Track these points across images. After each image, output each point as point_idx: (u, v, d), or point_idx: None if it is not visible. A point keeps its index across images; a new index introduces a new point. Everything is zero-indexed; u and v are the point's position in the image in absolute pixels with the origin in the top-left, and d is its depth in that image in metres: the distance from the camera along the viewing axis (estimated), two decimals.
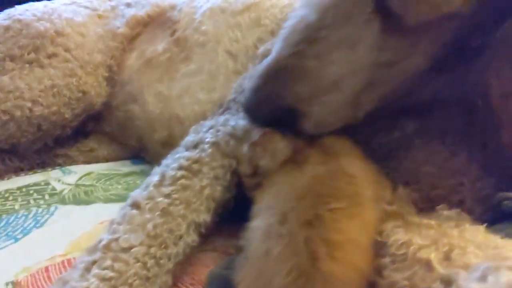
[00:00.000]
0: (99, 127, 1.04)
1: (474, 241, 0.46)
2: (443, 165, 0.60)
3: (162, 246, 0.55)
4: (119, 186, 0.87)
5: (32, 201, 0.83)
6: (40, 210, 0.79)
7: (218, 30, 0.93)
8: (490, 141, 0.59)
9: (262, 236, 0.50)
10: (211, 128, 0.68)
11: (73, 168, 0.97)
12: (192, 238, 0.58)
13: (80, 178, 0.91)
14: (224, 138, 0.65)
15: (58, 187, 0.87)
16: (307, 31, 0.55)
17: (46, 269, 0.64)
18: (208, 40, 0.93)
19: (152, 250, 0.54)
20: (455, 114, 0.62)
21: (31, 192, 0.86)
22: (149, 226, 0.56)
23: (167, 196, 0.59)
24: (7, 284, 0.61)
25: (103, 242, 0.54)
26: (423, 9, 0.51)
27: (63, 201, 0.82)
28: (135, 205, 0.58)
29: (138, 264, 0.53)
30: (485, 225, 0.51)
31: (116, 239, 0.54)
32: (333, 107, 0.57)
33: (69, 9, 1.09)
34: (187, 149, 0.66)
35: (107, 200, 0.82)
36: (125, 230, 0.55)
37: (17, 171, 0.96)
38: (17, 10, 1.09)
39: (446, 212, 0.55)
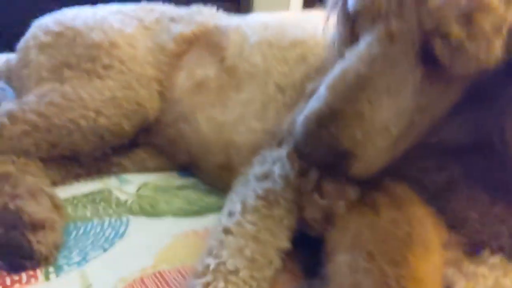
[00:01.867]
0: (149, 139, 1.12)
1: None
2: (486, 211, 0.70)
3: (260, 270, 0.66)
4: (179, 200, 0.98)
5: (101, 210, 0.92)
6: (113, 220, 0.89)
7: (267, 63, 1.02)
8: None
9: (348, 269, 0.61)
10: (277, 160, 0.78)
11: (127, 177, 1.06)
12: (278, 263, 0.69)
13: (139, 189, 1.01)
14: (292, 172, 0.75)
15: (122, 196, 0.97)
16: (358, 78, 0.62)
17: (142, 280, 0.74)
18: (258, 72, 1.02)
19: (254, 273, 0.65)
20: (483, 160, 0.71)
21: (97, 200, 0.95)
22: (247, 252, 0.66)
23: (253, 224, 0.70)
24: None
25: (212, 266, 0.64)
26: (469, 64, 0.58)
27: (131, 212, 0.92)
28: (227, 231, 0.69)
29: (247, 285, 0.64)
30: None
31: (223, 263, 0.64)
32: (382, 150, 0.64)
33: (117, 18, 1.16)
34: (257, 180, 0.76)
35: (175, 214, 0.93)
36: (227, 255, 0.65)
37: (76, 177, 1.04)
38: (66, 16, 1.14)
39: (491, 260, 0.67)
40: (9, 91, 1.20)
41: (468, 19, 0.55)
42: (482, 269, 0.64)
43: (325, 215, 0.69)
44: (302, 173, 0.73)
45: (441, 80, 0.62)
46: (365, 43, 0.63)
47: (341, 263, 0.63)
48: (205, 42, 1.13)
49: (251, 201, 0.72)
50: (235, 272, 0.64)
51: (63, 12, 1.18)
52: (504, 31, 0.56)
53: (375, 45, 0.62)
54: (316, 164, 0.68)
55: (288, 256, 0.73)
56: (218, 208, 0.93)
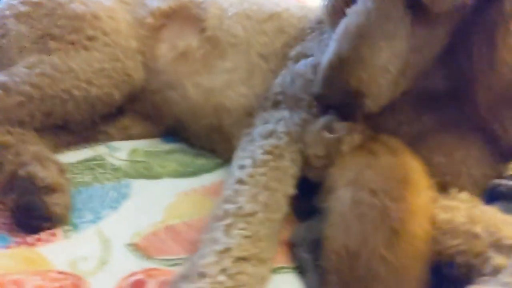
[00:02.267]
0: (133, 107, 1.17)
1: (498, 219, 0.72)
2: (450, 155, 0.85)
3: (273, 213, 0.77)
4: (172, 163, 1.04)
5: (99, 175, 0.98)
6: (112, 183, 0.95)
7: (247, 34, 1.11)
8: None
9: (352, 202, 0.73)
10: (280, 120, 0.90)
11: (115, 144, 1.11)
12: (286, 207, 0.80)
13: (130, 154, 1.07)
14: (294, 128, 0.87)
15: (115, 162, 1.03)
16: (358, 29, 0.76)
17: (154, 233, 0.82)
18: (240, 43, 1.11)
19: (269, 215, 0.75)
20: (455, 107, 0.85)
21: (92, 166, 1.01)
22: (261, 197, 0.77)
23: (263, 174, 0.80)
24: (127, 246, 0.79)
25: (232, 210, 0.74)
26: (445, 1, 0.71)
27: (128, 175, 0.99)
28: (241, 182, 0.79)
29: (264, 225, 0.74)
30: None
31: (241, 207, 0.74)
32: (385, 87, 0.78)
33: None
34: (263, 137, 0.87)
35: (172, 175, 1.00)
36: (244, 201, 0.75)
37: (66, 145, 1.07)
38: None
39: (461, 195, 0.80)
40: None
41: None
42: (456, 203, 0.77)
43: (328, 153, 0.81)
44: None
45: (428, 21, 0.76)
46: (361, 1, 0.77)
47: (343, 196, 0.75)
48: (182, 15, 1.19)
49: (260, 156, 0.82)
50: (253, 214, 0.74)
51: None
52: None
53: (369, 0, 0.76)
54: (333, 105, 0.81)
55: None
56: (210, 169, 1.04)
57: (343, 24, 0.78)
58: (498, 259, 0.66)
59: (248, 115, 0.99)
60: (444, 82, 0.84)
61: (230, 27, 1.13)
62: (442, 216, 0.74)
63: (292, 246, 0.81)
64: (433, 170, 0.84)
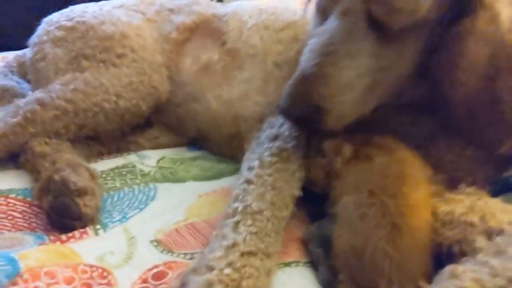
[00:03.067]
0: (160, 119, 1.26)
1: (497, 208, 0.76)
2: (460, 153, 0.88)
3: (279, 210, 0.81)
4: (196, 168, 1.13)
5: (129, 180, 1.06)
6: (141, 187, 1.03)
7: (264, 44, 1.18)
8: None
9: (354, 206, 0.77)
10: (283, 124, 0.94)
11: (144, 153, 1.20)
12: (292, 206, 0.85)
13: (158, 162, 1.15)
14: (298, 133, 0.91)
15: (144, 169, 1.11)
16: (323, 47, 0.79)
17: (176, 230, 0.89)
18: (257, 53, 1.18)
19: (275, 213, 0.80)
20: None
21: (123, 173, 1.09)
22: (267, 196, 0.81)
23: (270, 175, 0.85)
24: (151, 242, 0.85)
25: (240, 208, 0.79)
26: (401, 17, 0.75)
27: (156, 180, 1.06)
28: (249, 182, 0.84)
29: (270, 222, 0.78)
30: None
31: (249, 205, 0.79)
32: (348, 104, 0.79)
33: (122, 12, 1.29)
34: (270, 140, 0.92)
35: (195, 179, 1.08)
36: (251, 199, 0.80)
37: (98, 155, 1.17)
38: (75, 12, 1.27)
39: (467, 189, 0.84)
40: (24, 84, 1.32)
41: None
42: (460, 196, 0.80)
43: (327, 173, 0.86)
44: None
45: (392, 39, 0.79)
46: (328, 22, 0.81)
47: (347, 202, 0.79)
48: (205, 29, 1.28)
49: (267, 157, 0.87)
50: (259, 212, 0.78)
51: (71, 8, 1.30)
52: None
53: (334, 20, 0.80)
54: (295, 120, 0.84)
55: (297, 206, 0.88)
56: (230, 173, 1.10)
57: (310, 42, 0.82)
58: (481, 242, 0.69)
59: (261, 122, 1.03)
60: (424, 95, 0.86)
61: (249, 38, 1.20)
62: (443, 208, 0.77)
63: (305, 243, 0.85)
64: (445, 167, 0.87)
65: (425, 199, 0.78)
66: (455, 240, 0.73)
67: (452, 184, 0.86)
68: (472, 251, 0.69)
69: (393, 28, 0.77)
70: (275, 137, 0.92)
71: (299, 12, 1.21)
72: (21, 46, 1.39)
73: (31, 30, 1.29)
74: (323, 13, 0.88)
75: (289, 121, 0.88)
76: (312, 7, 0.97)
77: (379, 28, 0.78)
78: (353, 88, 0.79)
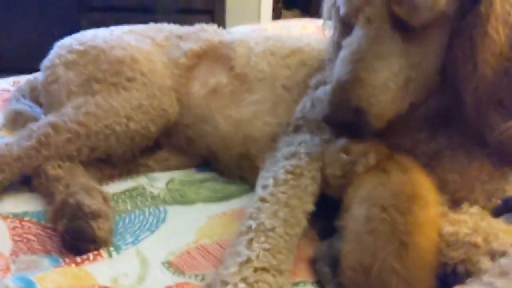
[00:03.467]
0: (169, 141, 1.29)
1: (500, 229, 0.78)
2: (464, 172, 0.91)
3: (292, 228, 0.84)
4: (205, 190, 1.15)
5: (139, 203, 1.08)
6: (152, 210, 1.06)
7: (272, 69, 1.23)
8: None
9: (365, 219, 0.80)
10: (301, 142, 0.99)
11: (154, 175, 1.23)
12: (305, 222, 0.88)
13: (167, 184, 1.18)
14: (315, 149, 0.96)
15: (154, 191, 1.14)
16: (353, 55, 0.86)
17: (188, 252, 0.91)
18: (266, 77, 1.23)
19: (288, 230, 0.83)
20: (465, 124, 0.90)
21: (134, 195, 1.12)
22: (280, 214, 0.85)
23: (284, 193, 0.88)
24: (163, 264, 0.88)
25: (254, 226, 0.82)
26: (422, 14, 0.80)
27: (166, 202, 1.09)
28: (263, 200, 0.88)
29: (282, 239, 0.81)
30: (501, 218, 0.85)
31: (262, 223, 0.82)
32: (385, 103, 0.85)
33: (131, 37, 1.33)
34: (286, 158, 0.96)
35: (204, 201, 1.10)
36: (265, 217, 0.84)
37: (110, 177, 1.20)
38: (86, 37, 1.31)
39: (471, 209, 0.87)
40: (36, 108, 1.35)
41: None
42: (464, 216, 0.83)
43: (344, 172, 0.90)
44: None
45: (416, 37, 0.84)
46: (354, 32, 0.87)
47: (357, 214, 0.82)
48: (213, 55, 1.33)
49: (282, 175, 0.91)
50: (272, 229, 0.82)
51: (82, 33, 1.35)
52: None
53: (360, 29, 0.86)
54: (339, 125, 0.88)
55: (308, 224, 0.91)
56: (239, 194, 1.13)
57: (341, 53, 0.88)
58: (485, 263, 0.71)
59: (273, 142, 1.08)
60: (445, 97, 0.90)
61: (257, 63, 1.25)
62: (448, 229, 0.80)
63: (314, 262, 0.88)
64: (448, 187, 0.91)
65: (433, 219, 0.81)
66: (460, 260, 0.76)
67: (455, 204, 0.89)
68: (477, 272, 0.72)
69: (416, 25, 0.82)
70: (292, 155, 0.97)
71: (304, 39, 1.28)
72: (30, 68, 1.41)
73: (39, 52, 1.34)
74: (344, 26, 0.95)
75: (333, 127, 0.92)
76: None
77: (403, 28, 0.84)
78: (388, 87, 0.85)
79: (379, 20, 0.85)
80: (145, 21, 1.47)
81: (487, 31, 0.79)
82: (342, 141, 0.93)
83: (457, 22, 0.83)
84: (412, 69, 0.86)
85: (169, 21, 1.48)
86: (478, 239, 0.76)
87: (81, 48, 1.26)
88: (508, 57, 0.80)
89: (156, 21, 1.47)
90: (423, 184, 0.84)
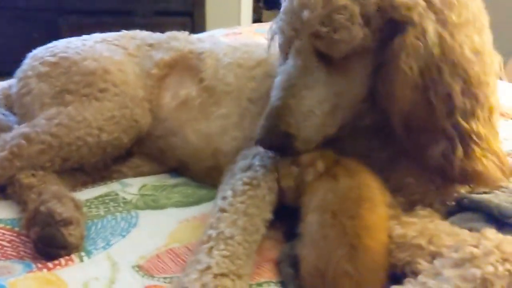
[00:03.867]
0: (141, 149, 1.33)
1: (444, 231, 0.83)
2: (419, 176, 0.97)
3: (251, 235, 0.89)
4: (177, 195, 1.19)
5: (112, 208, 1.12)
6: (123, 215, 1.09)
7: (239, 82, 1.27)
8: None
9: (318, 225, 0.85)
10: (256, 155, 1.03)
11: (127, 181, 1.26)
12: (263, 230, 0.93)
13: (140, 189, 1.21)
14: (268, 161, 1.00)
15: (127, 196, 1.17)
16: (284, 83, 0.93)
17: (157, 256, 0.95)
18: (232, 90, 1.27)
19: (246, 237, 0.88)
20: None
21: (107, 201, 1.15)
22: (239, 222, 0.89)
23: (242, 203, 0.93)
24: (133, 267, 0.92)
25: (214, 235, 0.87)
26: (341, 47, 0.87)
27: (138, 207, 1.12)
28: (223, 210, 0.92)
29: (241, 246, 0.86)
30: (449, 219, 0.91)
31: (222, 232, 0.87)
32: (312, 129, 0.92)
33: (104, 47, 1.36)
34: (242, 171, 1.00)
35: (176, 206, 1.14)
36: (224, 226, 0.88)
37: (83, 184, 1.23)
38: (58, 48, 1.33)
39: (422, 212, 0.93)
40: (11, 116, 1.38)
41: (329, 19, 0.86)
42: (414, 219, 0.89)
43: (297, 183, 0.95)
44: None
45: (339, 68, 0.91)
46: (287, 61, 0.95)
47: (311, 221, 0.87)
48: (183, 65, 1.36)
49: (239, 187, 0.95)
50: (231, 237, 0.86)
51: (54, 44, 1.37)
52: (357, 19, 0.85)
53: (291, 59, 0.94)
54: (270, 148, 0.96)
55: (272, 227, 0.96)
56: (210, 198, 1.16)
57: (276, 80, 0.96)
58: (423, 264, 0.77)
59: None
60: (379, 119, 0.95)
61: (224, 76, 1.29)
62: (398, 231, 0.85)
63: (278, 263, 0.92)
64: (404, 190, 0.96)
65: (381, 221, 0.85)
66: (406, 262, 0.81)
67: (410, 207, 0.95)
68: (418, 273, 0.77)
69: (337, 57, 0.89)
70: (248, 168, 1.01)
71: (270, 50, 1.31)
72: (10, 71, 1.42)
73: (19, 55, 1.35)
74: (284, 54, 1.01)
75: (266, 150, 0.98)
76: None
77: (327, 60, 0.91)
78: (314, 114, 0.92)
79: (306, 52, 0.92)
80: (124, 24, 1.49)
81: (399, 66, 0.84)
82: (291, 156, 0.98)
83: (380, 51, 0.88)
84: (337, 97, 0.93)
85: (148, 23, 1.51)
86: (423, 241, 0.81)
87: (53, 59, 1.28)
88: (425, 87, 0.85)
89: (135, 23, 1.49)
90: (370, 187, 0.89)
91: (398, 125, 0.90)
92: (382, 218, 0.86)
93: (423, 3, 0.85)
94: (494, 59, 0.91)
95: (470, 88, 0.86)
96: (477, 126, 0.87)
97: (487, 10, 0.94)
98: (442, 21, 0.85)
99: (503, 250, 0.71)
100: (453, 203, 0.97)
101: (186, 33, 1.49)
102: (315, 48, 0.90)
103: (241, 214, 0.91)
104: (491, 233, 0.77)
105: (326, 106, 0.92)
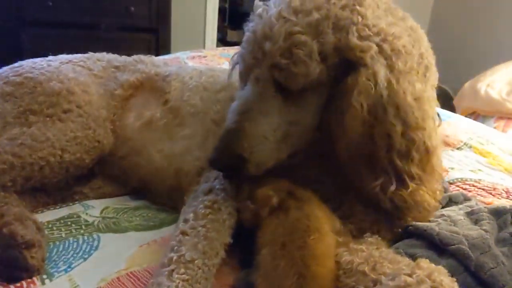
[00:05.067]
0: (103, 170, 1.37)
1: (387, 258, 0.90)
2: (367, 206, 1.04)
3: (210, 259, 0.94)
4: (138, 218, 1.23)
5: (74, 231, 1.14)
6: (85, 237, 1.12)
7: (204, 104, 1.33)
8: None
9: (270, 257, 0.91)
10: (216, 178, 1.08)
11: (89, 203, 1.29)
12: (222, 253, 0.98)
13: (102, 212, 1.25)
14: (228, 184, 1.05)
15: (89, 219, 1.20)
16: (241, 107, 0.99)
17: (118, 279, 0.98)
18: (197, 111, 1.33)
19: (206, 261, 0.93)
20: None
21: (69, 223, 1.18)
22: (200, 246, 0.94)
23: (203, 226, 0.98)
24: None
25: (175, 258, 0.91)
26: (298, 80, 0.94)
27: (99, 230, 1.16)
28: (184, 233, 0.97)
29: (200, 270, 0.91)
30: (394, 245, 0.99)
31: (183, 255, 0.92)
32: (264, 153, 0.98)
33: (69, 68, 1.39)
34: (204, 194, 1.05)
35: (137, 229, 1.18)
36: (185, 249, 0.93)
37: (45, 205, 1.25)
38: (23, 68, 1.35)
39: (370, 239, 1.00)
40: None
41: (289, 53, 0.93)
42: (362, 246, 0.95)
43: (254, 215, 0.99)
44: (238, 187, 1.03)
45: (295, 99, 0.98)
46: (246, 87, 1.01)
47: (264, 254, 0.92)
48: (148, 87, 1.41)
49: (201, 210, 1.00)
50: (192, 261, 0.91)
51: (20, 63, 1.39)
52: (315, 55, 0.92)
53: (249, 86, 1.00)
54: (222, 169, 1.01)
55: (229, 252, 1.00)
56: (170, 222, 1.21)
57: (233, 104, 1.01)
58: None
59: (201, 175, 1.16)
60: (323, 146, 1.02)
61: (190, 98, 1.35)
62: (346, 258, 0.92)
63: None
64: (354, 217, 1.04)
65: (328, 249, 0.92)
66: (351, 287, 0.87)
67: (360, 233, 1.02)
68: None
69: (294, 89, 0.96)
70: (209, 191, 1.06)
71: (234, 76, 1.37)
72: None
73: None
74: (243, 80, 1.07)
75: (218, 171, 1.04)
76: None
77: (284, 90, 0.97)
78: (267, 140, 0.98)
79: (265, 81, 0.98)
80: (88, 37, 1.52)
81: (351, 102, 0.92)
82: (248, 187, 1.03)
83: (333, 86, 0.96)
84: (290, 126, 0.99)
85: (112, 38, 1.54)
86: (367, 268, 0.88)
87: (18, 79, 1.30)
88: (371, 124, 0.93)
89: (99, 37, 1.52)
90: (318, 217, 0.95)
91: (343, 155, 0.96)
92: (329, 246, 0.92)
93: (375, 48, 0.93)
94: (432, 105, 1.00)
95: (408, 131, 0.94)
96: (409, 166, 0.96)
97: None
98: (390, 67, 0.93)
99: (433, 279, 0.79)
100: (400, 230, 1.05)
101: (152, 56, 1.54)
102: (273, 78, 0.97)
103: (202, 238, 0.95)
104: (424, 263, 0.84)
105: (279, 133, 0.98)
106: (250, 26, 1.02)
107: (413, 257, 0.93)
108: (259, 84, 0.98)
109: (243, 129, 0.96)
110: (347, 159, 0.97)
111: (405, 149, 0.95)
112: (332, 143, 0.98)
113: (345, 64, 0.94)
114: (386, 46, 0.94)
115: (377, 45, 0.93)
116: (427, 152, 0.97)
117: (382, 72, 0.92)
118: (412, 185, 0.96)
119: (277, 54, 0.94)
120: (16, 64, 1.39)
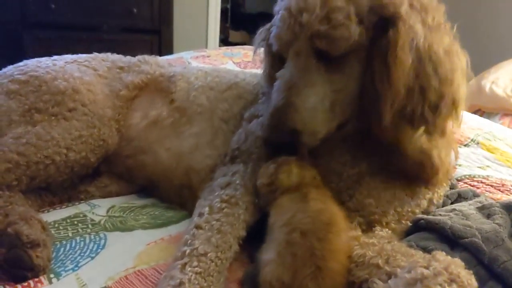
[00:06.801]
0: (109, 168, 1.35)
1: (400, 252, 0.89)
2: (379, 197, 1.04)
3: (223, 252, 0.93)
4: (145, 217, 1.21)
5: (80, 230, 1.13)
6: (92, 236, 1.10)
7: (211, 103, 1.33)
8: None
9: (286, 242, 0.89)
10: (236, 173, 1.09)
11: (95, 202, 1.28)
12: (236, 247, 0.98)
13: (108, 211, 1.23)
14: (249, 180, 1.06)
15: (95, 218, 1.19)
16: (286, 83, 0.99)
17: (126, 277, 0.97)
18: (205, 110, 1.32)
19: (219, 254, 0.92)
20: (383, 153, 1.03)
21: (75, 222, 1.16)
22: (213, 240, 0.94)
23: (218, 220, 0.98)
24: None
25: (188, 251, 0.91)
26: (339, 44, 0.94)
27: (106, 229, 1.14)
28: (198, 227, 0.96)
29: (213, 263, 0.90)
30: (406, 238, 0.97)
31: (196, 249, 0.91)
32: (316, 123, 0.98)
33: (74, 67, 1.38)
34: (221, 188, 1.05)
35: (144, 228, 1.16)
36: (199, 243, 0.92)
37: (50, 205, 1.24)
38: (29, 66, 1.34)
39: (381, 233, 0.99)
40: None
41: (328, 19, 0.94)
42: (373, 240, 0.94)
43: (271, 181, 1.00)
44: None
45: (337, 66, 0.98)
46: (286, 64, 1.00)
47: (278, 236, 0.91)
48: (154, 88, 1.41)
49: (217, 204, 1.00)
50: (205, 254, 0.91)
51: (25, 62, 1.38)
52: (353, 17, 0.93)
53: (290, 62, 1.00)
54: (277, 145, 1.01)
55: (240, 249, 0.99)
56: (177, 220, 1.20)
57: (276, 83, 1.01)
58: (378, 284, 0.82)
59: (213, 173, 1.16)
60: (363, 120, 1.01)
61: (196, 98, 1.34)
62: (358, 251, 0.90)
63: (242, 284, 0.96)
64: (364, 210, 1.03)
65: (344, 246, 0.91)
66: (364, 279, 0.86)
67: (369, 227, 1.02)
68: None
69: (336, 54, 0.96)
70: (227, 185, 1.06)
71: (240, 75, 1.39)
72: None
73: None
74: (275, 60, 1.08)
75: (272, 148, 1.04)
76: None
77: (326, 59, 0.97)
78: (317, 110, 0.98)
79: (305, 53, 0.98)
80: (90, 39, 1.51)
81: (397, 53, 0.91)
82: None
83: (370, 49, 0.96)
84: (336, 94, 0.99)
85: (114, 39, 1.53)
86: (380, 261, 0.86)
87: (23, 78, 1.29)
88: (415, 74, 0.93)
89: (101, 39, 1.52)
90: (337, 214, 0.95)
91: (387, 114, 0.94)
92: (345, 243, 0.92)
93: (406, 3, 0.95)
94: (461, 58, 1.00)
95: (439, 84, 0.94)
96: (437, 120, 0.96)
97: None
98: (422, 21, 0.94)
99: (450, 272, 0.78)
100: (409, 223, 1.04)
101: (157, 57, 1.53)
102: (313, 48, 0.97)
103: (215, 232, 0.95)
104: (441, 255, 0.83)
105: (327, 102, 0.98)
106: (281, 5, 1.03)
107: (426, 250, 0.92)
108: (300, 57, 0.99)
109: (292, 103, 0.97)
110: (390, 118, 0.95)
111: (434, 103, 0.95)
112: (367, 120, 0.98)
113: (380, 24, 0.95)
114: (415, 2, 0.96)
115: (408, 0, 0.95)
116: (454, 105, 0.97)
117: (418, 25, 0.93)
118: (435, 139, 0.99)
119: (315, 23, 0.94)
120: (21, 63, 1.38)
